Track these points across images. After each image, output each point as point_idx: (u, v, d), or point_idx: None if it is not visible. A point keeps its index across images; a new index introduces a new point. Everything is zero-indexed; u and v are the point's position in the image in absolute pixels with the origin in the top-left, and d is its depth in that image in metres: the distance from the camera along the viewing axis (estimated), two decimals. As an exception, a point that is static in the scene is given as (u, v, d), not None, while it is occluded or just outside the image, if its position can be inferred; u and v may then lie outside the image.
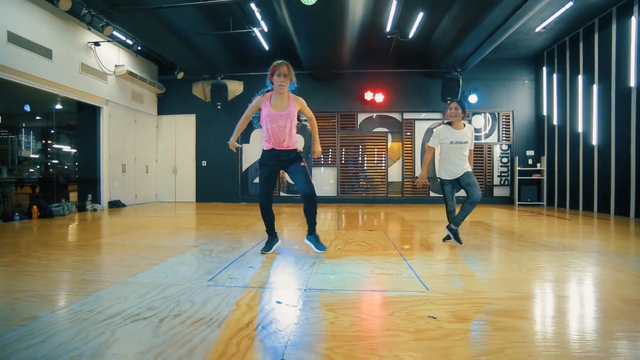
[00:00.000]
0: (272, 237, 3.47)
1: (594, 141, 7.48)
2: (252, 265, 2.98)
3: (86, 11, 5.83)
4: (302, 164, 3.30)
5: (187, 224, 5.83)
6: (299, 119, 3.36)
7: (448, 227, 3.81)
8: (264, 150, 3.29)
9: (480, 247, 3.81)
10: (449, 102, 3.87)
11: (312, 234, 3.41)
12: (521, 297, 2.21)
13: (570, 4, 6.54)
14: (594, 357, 1.47)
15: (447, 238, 3.94)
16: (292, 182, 3.40)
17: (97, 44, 7.48)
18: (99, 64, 7.80)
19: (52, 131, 8.08)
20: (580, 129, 7.92)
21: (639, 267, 2.92)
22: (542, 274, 2.79)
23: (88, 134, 8.15)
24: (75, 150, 8.61)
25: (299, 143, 3.36)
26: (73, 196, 8.23)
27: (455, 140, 3.72)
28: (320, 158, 9.87)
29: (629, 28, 6.55)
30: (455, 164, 3.73)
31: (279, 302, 2.10)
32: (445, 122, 3.88)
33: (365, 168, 9.93)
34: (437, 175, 3.94)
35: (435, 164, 3.88)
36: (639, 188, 6.37)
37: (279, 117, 3.15)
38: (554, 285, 2.51)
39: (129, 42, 7.83)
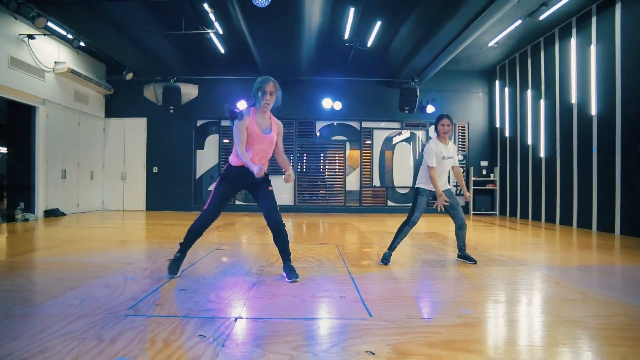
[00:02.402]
0: (183, 255, 3.10)
1: (542, 153, 7.78)
2: (184, 288, 2.69)
3: (10, -2, 5.26)
4: (270, 188, 3.03)
5: (129, 236, 5.38)
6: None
7: (461, 256, 3.75)
8: (233, 166, 2.95)
9: (432, 262, 3.73)
10: (438, 116, 3.76)
11: (287, 263, 3.03)
12: (468, 323, 2.09)
13: (519, 21, 6.80)
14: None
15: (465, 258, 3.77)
16: (255, 204, 3.05)
17: (31, 36, 6.82)
18: (34, 59, 7.13)
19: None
20: (529, 142, 8.22)
21: (581, 283, 2.93)
22: (492, 293, 2.72)
23: (21, 135, 7.42)
24: (5, 153, 7.82)
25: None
26: (1, 204, 7.47)
27: (447, 155, 3.66)
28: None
29: (569, 49, 6.89)
30: (441, 178, 3.67)
31: (201, 336, 1.84)
32: (434, 137, 3.75)
33: (323, 177, 9.80)
34: (417, 185, 3.74)
35: (418, 174, 3.72)
36: (580, 199, 6.66)
37: (263, 140, 2.90)
38: (503, 307, 2.43)
39: (70, 37, 7.21)
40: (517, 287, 2.86)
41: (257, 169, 2.68)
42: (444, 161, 3.67)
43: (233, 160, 2.97)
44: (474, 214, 9.47)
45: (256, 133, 2.88)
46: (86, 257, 3.78)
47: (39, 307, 2.24)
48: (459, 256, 3.77)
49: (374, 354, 1.68)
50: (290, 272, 2.96)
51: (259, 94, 2.88)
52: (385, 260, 3.58)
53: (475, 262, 3.64)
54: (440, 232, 6.00)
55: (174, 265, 3.04)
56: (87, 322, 2.00)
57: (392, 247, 3.66)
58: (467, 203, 9.73)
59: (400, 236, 3.66)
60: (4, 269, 3.23)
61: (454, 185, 8.88)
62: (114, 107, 9.68)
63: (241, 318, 2.11)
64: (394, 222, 7.35)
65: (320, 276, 3.08)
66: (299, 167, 9.72)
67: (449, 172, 3.81)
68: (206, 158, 9.74)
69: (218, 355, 1.65)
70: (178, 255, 3.07)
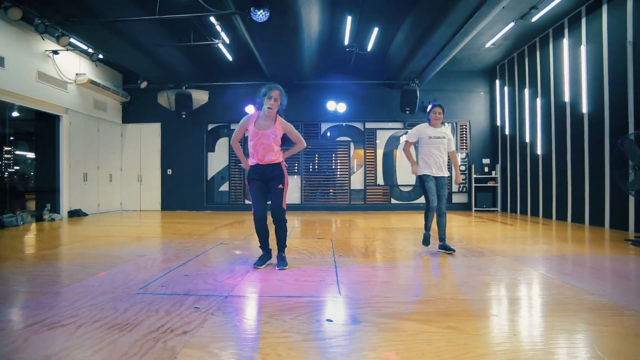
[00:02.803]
0: (266, 252, 3.46)
1: (539, 150, 7.99)
2: (187, 274, 3.13)
3: (39, 21, 5.85)
4: (280, 186, 3.35)
5: (144, 233, 5.90)
6: (283, 144, 3.44)
7: (441, 247, 4.08)
8: (250, 166, 3.41)
9: (414, 253, 4.08)
10: (430, 106, 4.14)
11: (279, 253, 3.46)
12: (421, 301, 2.46)
13: (512, 24, 7.05)
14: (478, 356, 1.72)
15: (442, 248, 4.11)
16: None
17: (55, 52, 7.46)
18: (58, 73, 7.76)
19: (7, 139, 7.96)
20: (527, 139, 8.43)
21: (534, 266, 3.24)
22: (451, 279, 3.07)
23: (47, 142, 8.07)
24: (33, 159, 8.50)
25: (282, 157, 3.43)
26: (31, 206, 8.13)
27: (434, 135, 4.04)
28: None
29: (562, 49, 7.09)
30: (435, 156, 4.01)
31: (196, 308, 2.27)
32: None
33: (329, 176, 10.20)
34: (420, 173, 4.07)
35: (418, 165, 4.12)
36: (574, 195, 6.87)
37: (262, 134, 3.28)
38: (451, 290, 2.78)
39: (90, 50, 7.82)
40: (479, 274, 3.20)
41: (243, 163, 3.47)
42: (430, 141, 4.04)
43: (250, 161, 3.43)
44: (475, 210, 9.70)
45: (255, 132, 3.30)
46: (105, 250, 4.28)
47: (67, 287, 2.72)
48: (439, 247, 4.11)
49: (332, 321, 2.07)
50: (281, 261, 3.38)
51: (265, 98, 3.30)
52: (426, 241, 4.12)
53: (453, 251, 3.99)
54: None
55: (260, 261, 3.40)
56: (106, 298, 2.46)
57: (427, 227, 4.11)
58: (469, 200, 9.98)
59: (428, 220, 4.08)
60: (37, 260, 3.75)
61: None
62: (131, 114, 10.31)
63: (231, 296, 2.54)
64: (397, 219, 7.69)
65: (308, 265, 3.48)
66: (306, 167, 10.15)
67: (447, 159, 4.12)
68: (217, 160, 10.27)
69: (206, 320, 2.07)
70: (263, 254, 3.46)
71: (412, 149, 4.25)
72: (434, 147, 4.04)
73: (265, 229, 3.39)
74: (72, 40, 7.08)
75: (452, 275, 3.14)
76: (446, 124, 10.10)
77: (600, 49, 6.12)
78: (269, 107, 3.27)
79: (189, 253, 4.09)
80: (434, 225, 4.16)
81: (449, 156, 4.16)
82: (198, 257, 3.85)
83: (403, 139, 3.99)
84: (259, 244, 3.49)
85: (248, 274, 3.12)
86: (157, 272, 3.18)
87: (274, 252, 3.55)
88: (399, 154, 10.14)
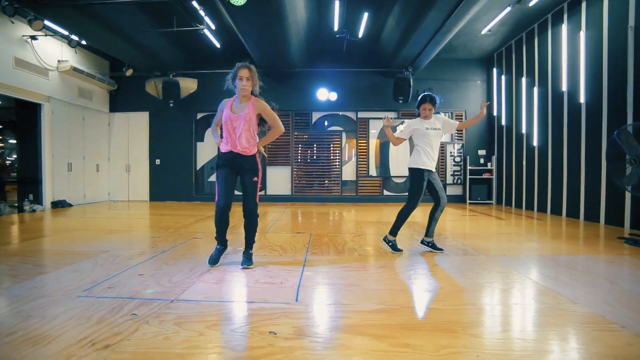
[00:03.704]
0: (222, 245, 3.24)
1: (535, 142, 7.71)
2: (142, 273, 2.93)
3: (6, 3, 5.56)
4: (255, 179, 3.13)
5: (121, 225, 5.71)
6: (261, 125, 3.23)
7: (428, 244, 3.81)
8: (221, 152, 3.16)
9: (394, 253, 3.87)
10: (418, 99, 3.83)
11: (246, 249, 3.24)
12: (381, 310, 2.25)
13: (509, 9, 6.71)
14: None
15: (427, 245, 3.86)
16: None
17: (33, 37, 7.18)
18: (38, 59, 7.51)
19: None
20: (524, 130, 8.14)
21: (518, 268, 3.03)
22: (425, 283, 2.85)
23: (28, 131, 7.86)
24: (14, 149, 8.30)
25: (256, 149, 3.17)
26: (13, 196, 7.96)
27: (431, 127, 3.72)
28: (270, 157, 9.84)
29: (561, 35, 6.76)
30: (433, 149, 3.70)
31: (134, 315, 2.07)
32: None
33: (319, 167, 9.95)
34: (419, 167, 3.65)
35: (413, 157, 3.79)
36: (569, 189, 6.61)
37: (234, 119, 3.06)
38: (420, 296, 2.57)
39: (69, 36, 7.53)
40: (458, 276, 2.98)
41: (218, 141, 3.29)
42: (428, 132, 3.69)
43: (221, 147, 3.18)
44: (470, 203, 9.46)
45: (228, 116, 3.07)
46: (70, 245, 4.09)
47: (4, 290, 2.52)
48: (428, 244, 3.83)
49: (275, 334, 1.86)
50: (246, 259, 3.17)
51: (236, 80, 3.06)
52: (397, 248, 3.75)
53: (441, 250, 3.78)
54: (419, 221, 6.09)
55: (215, 259, 3.19)
56: (40, 303, 2.25)
57: (397, 231, 3.77)
58: (463, 192, 9.73)
59: (404, 222, 3.75)
60: (-7, 256, 3.56)
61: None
62: (118, 103, 10.06)
63: (178, 300, 2.33)
64: (389, 212, 7.47)
65: (275, 265, 3.27)
66: (296, 157, 9.91)
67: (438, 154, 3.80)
68: (206, 150, 10.03)
69: (137, 330, 1.87)
70: (220, 247, 3.24)
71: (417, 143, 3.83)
72: (434, 140, 3.70)
73: (227, 220, 3.18)
74: (48, 24, 6.80)
75: (427, 278, 2.92)
76: (441, 113, 9.78)
77: (600, 35, 5.80)
78: (242, 88, 3.05)
79: (156, 248, 3.89)
80: (412, 221, 3.91)
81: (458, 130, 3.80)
82: (164, 253, 3.65)
83: (397, 131, 3.70)
84: (215, 235, 3.24)
85: (205, 274, 2.92)
86: (113, 271, 2.99)
87: (239, 248, 3.33)
88: (392, 145, 9.85)
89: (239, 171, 3.17)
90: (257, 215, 3.22)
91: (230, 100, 3.19)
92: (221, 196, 3.08)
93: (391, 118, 3.81)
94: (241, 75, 3.04)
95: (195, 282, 2.70)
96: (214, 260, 3.19)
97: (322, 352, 1.69)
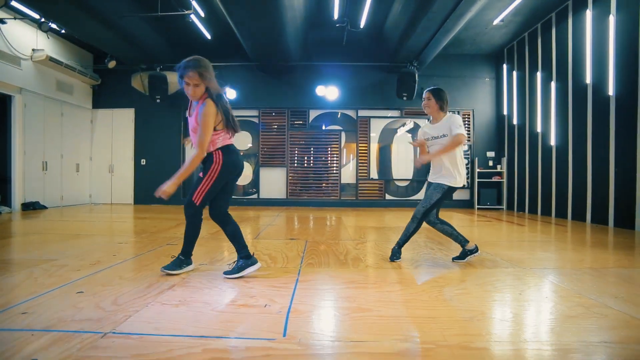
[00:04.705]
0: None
1: (552, 141, 7.05)
2: (83, 290, 2.22)
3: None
4: (200, 174, 2.66)
5: (90, 229, 4.97)
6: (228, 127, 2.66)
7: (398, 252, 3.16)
8: None
9: (411, 263, 3.17)
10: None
11: (180, 254, 2.68)
12: (407, 351, 1.54)
13: (526, -7, 6.10)
14: None
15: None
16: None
17: (1, 21, 6.49)
18: (8, 46, 6.81)
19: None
20: (539, 129, 7.49)
21: (553, 279, 2.33)
22: (460, 306, 2.15)
23: (-4, 126, 7.15)
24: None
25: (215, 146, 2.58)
26: (-22, 197, 7.22)
27: (432, 135, 3.08)
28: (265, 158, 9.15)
29: (584, 22, 6.14)
30: (434, 160, 3.05)
31: (33, 361, 1.36)
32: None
33: (317, 169, 9.25)
34: (455, 185, 3.00)
35: (450, 167, 3.01)
36: (594, 192, 5.95)
37: (189, 121, 2.63)
38: (458, 328, 1.87)
39: (40, 19, 6.77)
40: (496, 290, 2.28)
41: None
42: (430, 142, 3.10)
43: None
44: (478, 208, 8.77)
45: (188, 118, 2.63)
46: (11, 252, 3.37)
47: None
48: (397, 250, 3.17)
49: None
50: (172, 265, 2.66)
51: (182, 83, 2.49)
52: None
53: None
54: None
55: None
56: None
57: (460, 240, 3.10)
58: (471, 197, 9.06)
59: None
60: None
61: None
62: (102, 98, 9.37)
63: (113, 333, 1.62)
64: (392, 217, 6.78)
65: (259, 279, 2.56)
66: (292, 159, 9.21)
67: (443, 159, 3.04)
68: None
69: (21, 394, 1.16)
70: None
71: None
72: (436, 149, 3.04)
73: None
74: (16, 5, 6.11)
75: (461, 299, 2.21)
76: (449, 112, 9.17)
77: (636, 17, 5.15)
78: (188, 94, 2.50)
79: (117, 257, 3.18)
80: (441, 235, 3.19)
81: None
82: (123, 263, 2.94)
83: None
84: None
85: (166, 293, 2.20)
86: (45, 287, 2.27)
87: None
88: (395, 146, 9.21)
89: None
90: (194, 217, 2.66)
91: (190, 104, 2.66)
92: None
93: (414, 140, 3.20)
94: (186, 80, 2.44)
95: (148, 305, 1.98)
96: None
97: None
